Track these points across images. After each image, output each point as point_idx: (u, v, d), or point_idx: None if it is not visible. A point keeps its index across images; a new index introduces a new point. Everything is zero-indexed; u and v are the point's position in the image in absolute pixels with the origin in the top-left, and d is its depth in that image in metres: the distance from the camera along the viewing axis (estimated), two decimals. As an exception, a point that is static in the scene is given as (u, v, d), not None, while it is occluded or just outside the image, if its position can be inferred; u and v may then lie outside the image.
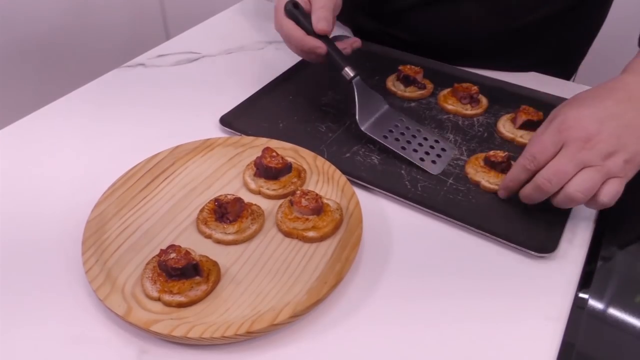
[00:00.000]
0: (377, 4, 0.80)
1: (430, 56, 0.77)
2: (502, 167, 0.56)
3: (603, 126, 0.48)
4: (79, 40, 1.28)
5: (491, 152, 0.58)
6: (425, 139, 0.62)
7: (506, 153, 0.57)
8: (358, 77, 0.62)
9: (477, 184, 0.57)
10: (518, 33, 0.73)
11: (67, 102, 0.70)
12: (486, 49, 0.76)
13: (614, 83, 0.52)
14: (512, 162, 0.55)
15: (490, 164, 0.57)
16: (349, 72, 0.62)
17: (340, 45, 0.65)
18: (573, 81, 0.86)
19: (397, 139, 0.61)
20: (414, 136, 0.62)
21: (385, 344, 0.43)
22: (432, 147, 0.61)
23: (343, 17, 0.88)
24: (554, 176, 0.49)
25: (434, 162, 0.60)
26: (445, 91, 0.70)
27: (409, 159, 0.59)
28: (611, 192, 0.48)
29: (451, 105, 0.68)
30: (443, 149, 0.61)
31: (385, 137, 0.61)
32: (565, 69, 0.83)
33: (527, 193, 0.52)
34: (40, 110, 0.68)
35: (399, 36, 0.80)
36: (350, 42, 0.68)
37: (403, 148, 0.60)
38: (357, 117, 0.61)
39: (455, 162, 0.60)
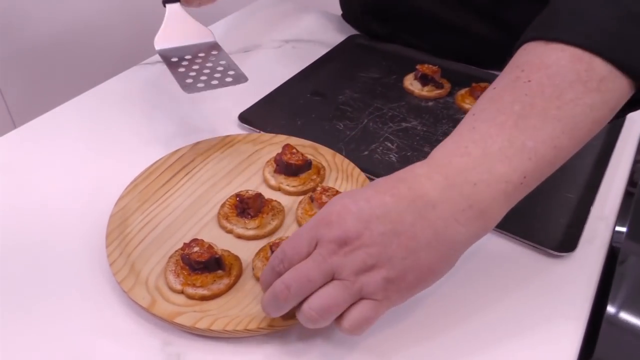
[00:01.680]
0: (383, 9, 0.80)
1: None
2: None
3: (367, 230, 0.37)
4: (94, 39, 1.30)
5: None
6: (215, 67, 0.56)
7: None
8: (177, 4, 0.58)
9: None
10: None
11: (89, 97, 0.71)
12: (499, 53, 0.76)
13: (404, 173, 0.39)
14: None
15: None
16: None
17: None
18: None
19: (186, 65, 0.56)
20: (207, 66, 0.56)
21: (401, 340, 0.43)
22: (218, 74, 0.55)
23: (356, 22, 0.88)
24: (294, 282, 0.37)
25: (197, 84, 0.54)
26: (463, 91, 0.71)
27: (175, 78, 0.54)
28: (355, 319, 0.37)
29: (469, 104, 0.68)
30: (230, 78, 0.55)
31: (174, 60, 0.56)
32: None
33: (264, 303, 0.40)
34: (63, 105, 0.69)
35: (410, 41, 0.81)
36: None
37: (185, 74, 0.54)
38: (155, 37, 0.57)
39: (473, 161, 0.60)
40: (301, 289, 0.37)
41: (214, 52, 0.58)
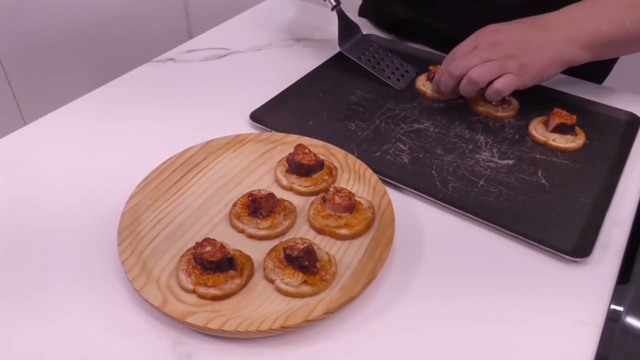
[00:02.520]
0: None
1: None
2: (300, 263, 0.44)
3: (511, 37, 0.62)
4: (105, 36, 1.30)
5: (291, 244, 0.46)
6: (392, 62, 0.76)
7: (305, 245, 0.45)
8: (339, 6, 0.75)
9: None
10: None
11: (99, 95, 0.71)
12: None
13: (542, 15, 0.64)
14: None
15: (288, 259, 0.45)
16: (332, 0, 0.74)
17: None
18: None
19: (369, 60, 0.74)
20: (383, 59, 0.76)
21: (416, 343, 0.43)
22: (397, 68, 0.75)
23: (376, 6, 0.88)
24: (460, 63, 0.63)
25: (398, 79, 0.73)
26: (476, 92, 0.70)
27: (378, 76, 0.73)
28: (504, 82, 0.61)
29: (482, 106, 0.68)
30: (406, 70, 0.75)
31: (360, 57, 0.74)
32: (597, 71, 0.82)
33: (439, 78, 0.66)
34: (73, 102, 0.69)
35: (432, 25, 0.80)
36: None
37: (374, 67, 0.74)
38: (337, 39, 0.74)
39: (486, 163, 0.60)
40: (465, 68, 0.63)
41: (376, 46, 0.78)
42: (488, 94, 0.63)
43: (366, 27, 0.87)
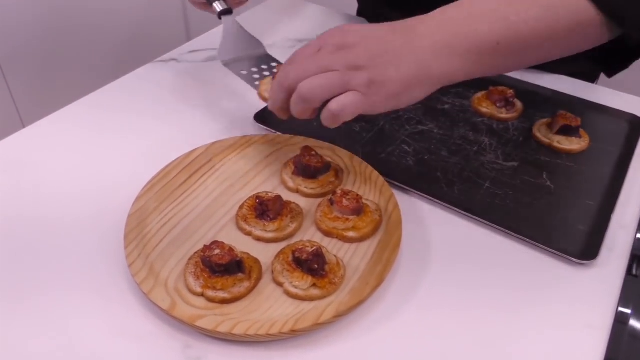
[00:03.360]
0: None
1: None
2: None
3: (363, 41, 0.46)
4: (106, 36, 1.29)
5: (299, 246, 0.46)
6: None
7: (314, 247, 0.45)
8: (230, 16, 0.64)
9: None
10: None
11: (101, 96, 0.70)
12: None
13: (409, 19, 0.49)
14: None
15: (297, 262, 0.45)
16: (217, 6, 0.64)
17: None
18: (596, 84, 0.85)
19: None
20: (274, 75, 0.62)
21: (424, 347, 0.43)
22: None
23: (368, 11, 0.87)
24: (292, 70, 0.45)
25: None
26: (480, 94, 0.70)
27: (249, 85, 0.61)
28: (342, 101, 0.44)
29: (486, 108, 0.68)
30: None
31: (244, 72, 0.62)
32: (591, 72, 0.82)
33: (271, 89, 0.49)
34: (75, 103, 0.69)
35: None
36: None
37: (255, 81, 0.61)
38: (217, 49, 0.63)
39: (491, 165, 0.60)
40: (297, 76, 0.45)
41: (272, 63, 0.64)
42: (322, 116, 0.46)
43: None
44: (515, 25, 0.45)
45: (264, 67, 0.63)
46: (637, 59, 0.50)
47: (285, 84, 0.46)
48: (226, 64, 0.62)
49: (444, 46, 0.46)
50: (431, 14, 0.48)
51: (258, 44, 0.65)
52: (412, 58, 0.45)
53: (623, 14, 0.46)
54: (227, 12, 0.64)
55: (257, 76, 0.61)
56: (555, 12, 0.46)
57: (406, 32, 0.47)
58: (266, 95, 0.59)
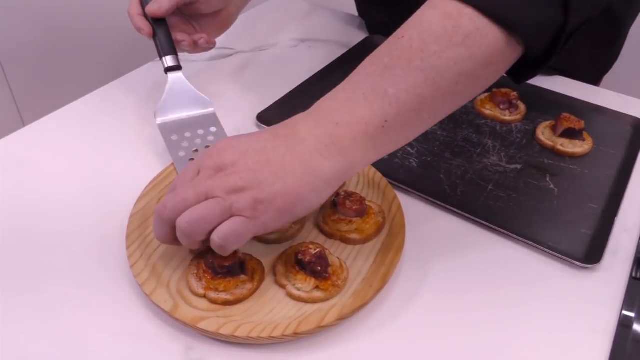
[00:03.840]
0: None
1: None
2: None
3: (242, 158, 0.41)
4: (105, 37, 1.29)
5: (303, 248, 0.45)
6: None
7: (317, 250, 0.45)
8: (179, 73, 0.60)
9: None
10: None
11: (102, 95, 0.70)
12: None
13: (288, 120, 0.45)
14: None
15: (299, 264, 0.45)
16: (166, 61, 0.59)
17: (179, 36, 0.61)
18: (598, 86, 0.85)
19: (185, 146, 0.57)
20: (207, 146, 0.58)
21: (427, 350, 0.43)
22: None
23: (358, 10, 0.86)
24: (169, 200, 0.41)
25: None
26: (483, 96, 0.70)
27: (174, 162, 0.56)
28: (224, 230, 0.40)
29: (489, 110, 0.68)
30: None
31: (174, 139, 0.57)
32: (591, 74, 0.81)
33: (154, 223, 0.44)
34: (75, 102, 0.68)
35: None
36: (196, 37, 0.62)
37: (180, 155, 0.56)
38: (156, 107, 0.59)
39: (494, 168, 0.60)
40: (175, 207, 0.41)
41: (212, 128, 0.60)
42: (212, 244, 0.42)
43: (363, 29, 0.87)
44: (395, 97, 0.41)
45: (200, 131, 0.58)
46: (543, 66, 0.45)
47: (165, 217, 0.41)
48: (161, 126, 0.58)
49: (329, 142, 0.41)
50: (310, 109, 0.44)
51: (205, 102, 0.61)
52: (298, 165, 0.41)
53: (518, 22, 0.41)
54: (175, 68, 0.60)
55: (185, 144, 0.57)
56: (435, 69, 0.41)
57: (287, 137, 0.42)
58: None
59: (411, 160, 0.60)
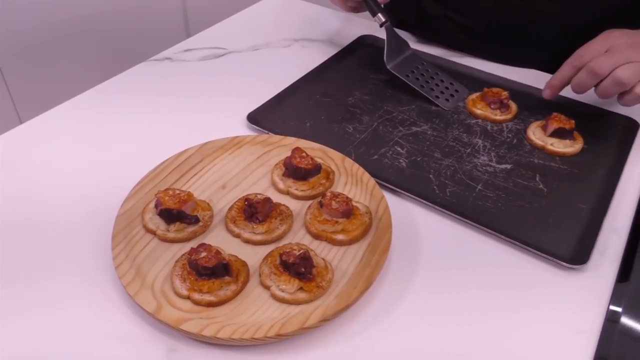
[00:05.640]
0: None
1: (487, 45, 0.78)
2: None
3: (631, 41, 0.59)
4: (101, 35, 1.29)
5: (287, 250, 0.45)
6: (442, 80, 0.72)
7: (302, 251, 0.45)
8: (388, 23, 0.72)
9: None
10: (588, 26, 0.68)
11: (95, 94, 0.70)
12: (548, 40, 0.76)
13: None
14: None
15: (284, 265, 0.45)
16: (381, 17, 0.71)
17: None
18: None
19: (417, 79, 0.71)
20: (432, 77, 0.72)
21: (413, 351, 0.43)
22: (447, 87, 0.71)
23: (402, 2, 0.86)
24: (606, 62, 0.58)
25: (447, 100, 0.69)
26: (474, 95, 0.70)
27: (426, 95, 0.69)
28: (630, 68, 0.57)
29: (480, 110, 0.67)
30: (457, 90, 0.71)
31: (408, 76, 0.71)
32: None
33: (580, 79, 0.60)
34: (68, 101, 0.68)
35: (464, 24, 0.79)
36: None
37: (422, 86, 0.70)
38: (384, 57, 0.71)
39: (484, 168, 0.60)
40: (610, 66, 0.58)
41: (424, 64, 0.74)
42: (628, 98, 0.59)
43: (361, 31, 0.87)
44: None
45: (419, 66, 0.73)
46: None
47: (601, 72, 0.58)
48: (393, 68, 0.71)
49: None
50: None
51: (406, 44, 0.74)
52: None
53: None
54: (387, 21, 0.72)
55: (418, 77, 0.71)
56: None
57: None
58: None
59: (401, 160, 0.60)
